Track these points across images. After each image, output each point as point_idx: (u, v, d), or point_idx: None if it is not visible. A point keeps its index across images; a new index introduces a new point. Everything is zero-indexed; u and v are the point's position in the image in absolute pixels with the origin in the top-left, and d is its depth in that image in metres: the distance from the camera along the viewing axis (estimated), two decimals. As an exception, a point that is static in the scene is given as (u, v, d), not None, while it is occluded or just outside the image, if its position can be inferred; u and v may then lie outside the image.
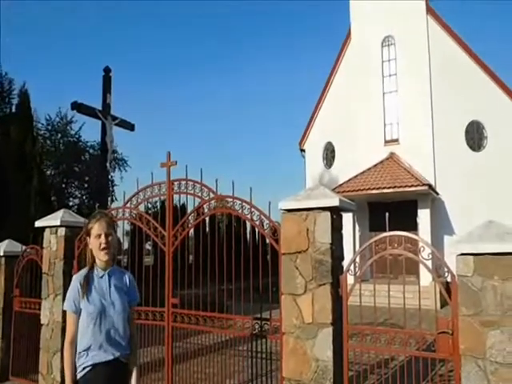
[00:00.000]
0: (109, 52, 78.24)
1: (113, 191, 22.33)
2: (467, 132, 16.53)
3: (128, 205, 5.81)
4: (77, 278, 2.72)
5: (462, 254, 3.57)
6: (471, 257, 3.52)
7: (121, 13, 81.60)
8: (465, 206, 15.41)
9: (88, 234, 2.77)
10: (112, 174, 21.19)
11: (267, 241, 4.63)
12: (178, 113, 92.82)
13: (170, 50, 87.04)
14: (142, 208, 5.87)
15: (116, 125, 10.78)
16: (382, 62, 17.62)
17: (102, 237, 2.69)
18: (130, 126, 11.30)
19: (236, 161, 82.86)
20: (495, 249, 3.41)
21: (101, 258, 2.72)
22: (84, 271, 2.76)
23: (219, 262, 4.91)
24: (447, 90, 16.30)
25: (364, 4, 17.67)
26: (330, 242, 4.08)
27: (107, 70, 10.79)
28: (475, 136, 16.50)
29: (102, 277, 2.73)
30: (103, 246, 2.69)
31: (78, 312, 2.66)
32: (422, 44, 16.75)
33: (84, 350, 2.61)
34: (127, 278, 2.86)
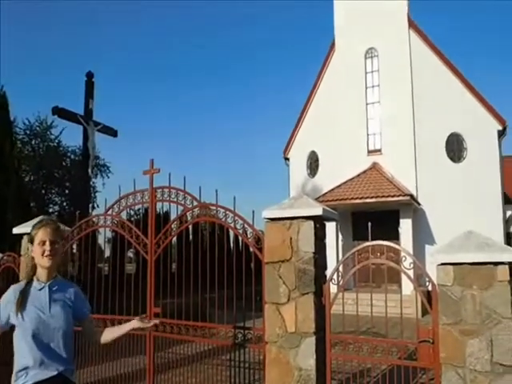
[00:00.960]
0: (94, 56, 77.74)
1: (94, 197, 22.01)
2: (448, 143, 16.89)
3: (110, 212, 5.75)
4: (12, 292, 2.49)
5: (443, 264, 3.63)
6: (451, 266, 3.59)
7: (106, 15, 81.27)
8: (445, 216, 15.67)
9: (31, 240, 2.54)
10: (94, 180, 20.89)
11: (251, 249, 4.63)
12: (164, 120, 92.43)
13: (156, 56, 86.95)
14: (124, 215, 5.82)
15: (98, 131, 10.68)
16: (366, 73, 17.91)
17: (47, 243, 2.49)
18: (112, 132, 11.21)
19: (221, 169, 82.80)
20: (474, 258, 3.48)
21: (43, 264, 2.49)
22: (20, 285, 2.52)
23: (202, 271, 4.88)
24: (428, 102, 16.65)
25: (348, 16, 17.98)
26: (314, 251, 4.11)
27: (90, 75, 10.70)
28: (455, 148, 16.87)
29: (41, 289, 2.50)
30: (47, 253, 2.47)
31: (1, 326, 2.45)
32: (404, 56, 17.09)
33: (22, 370, 2.39)
34: (73, 290, 2.63)
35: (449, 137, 16.85)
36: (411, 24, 17.25)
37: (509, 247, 3.69)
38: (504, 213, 17.38)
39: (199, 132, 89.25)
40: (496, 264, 3.49)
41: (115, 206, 5.73)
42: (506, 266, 3.52)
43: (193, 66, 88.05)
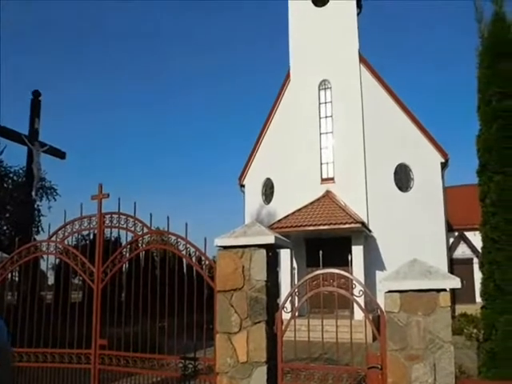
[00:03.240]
0: (42, 77, 75.44)
1: (39, 222, 20.92)
2: (396, 173, 17.69)
3: (54, 238, 5.50)
4: None
5: (390, 291, 3.74)
6: (397, 294, 3.70)
7: (60, 32, 79.73)
8: (394, 243, 16.23)
9: None
10: (39, 203, 19.90)
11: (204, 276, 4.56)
12: (117, 144, 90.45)
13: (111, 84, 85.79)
14: (71, 240, 5.58)
15: (45, 152, 10.24)
16: (319, 104, 18.56)
17: None
18: (60, 154, 10.77)
19: (175, 194, 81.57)
20: (418, 286, 3.62)
21: None
22: None
23: (152, 299, 4.73)
24: (378, 133, 17.45)
25: (303, 48, 18.69)
26: (266, 279, 4.11)
27: (36, 94, 10.34)
28: (403, 178, 17.69)
29: None
30: None
31: None
32: (355, 90, 17.90)
33: None
34: None
35: (397, 167, 17.67)
36: (362, 59, 18.17)
37: (450, 274, 3.88)
38: (447, 240, 18.28)
39: (153, 157, 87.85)
40: (438, 291, 3.64)
41: (60, 231, 5.49)
42: (448, 293, 3.68)
43: (142, 95, 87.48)
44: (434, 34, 70.33)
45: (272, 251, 4.27)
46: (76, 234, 5.57)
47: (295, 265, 16.84)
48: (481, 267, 4.56)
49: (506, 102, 4.56)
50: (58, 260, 5.92)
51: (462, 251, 22.00)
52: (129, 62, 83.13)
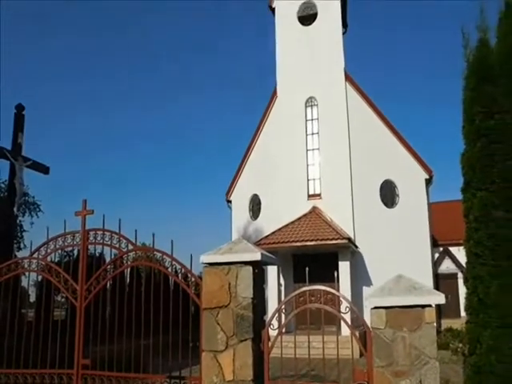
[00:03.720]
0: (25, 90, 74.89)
1: (21, 237, 20.56)
2: (381, 189, 17.89)
3: (36, 255, 5.40)
4: None
5: (376, 308, 3.75)
6: (383, 310, 3.72)
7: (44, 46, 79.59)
8: (380, 259, 16.32)
9: None
10: (21, 218, 19.57)
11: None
12: (102, 160, 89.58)
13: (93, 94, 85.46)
14: (54, 258, 5.48)
15: (28, 167, 10.11)
16: (306, 120, 18.77)
17: None
18: (43, 169, 10.64)
19: (160, 210, 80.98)
20: (403, 302, 3.64)
21: None
22: None
23: (137, 316, 4.65)
24: (364, 150, 17.69)
25: (290, 66, 18.97)
26: (252, 296, 4.08)
27: (20, 108, 10.27)
28: (388, 194, 17.90)
29: None
30: None
31: None
32: (341, 107, 18.17)
33: None
34: None
35: (382, 183, 17.88)
36: (347, 77, 18.50)
37: (435, 290, 3.91)
38: (432, 255, 18.46)
39: (139, 172, 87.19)
40: (424, 306, 3.66)
41: (42, 248, 5.40)
42: (433, 308, 3.71)
43: (133, 98, 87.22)
44: (421, 58, 72.19)
45: (258, 268, 4.26)
46: (56, 252, 5.50)
47: (282, 281, 16.78)
48: (465, 282, 4.62)
49: (489, 121, 4.71)
50: (40, 277, 5.79)
51: (446, 266, 22.26)
52: (118, 77, 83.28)
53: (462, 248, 5.19)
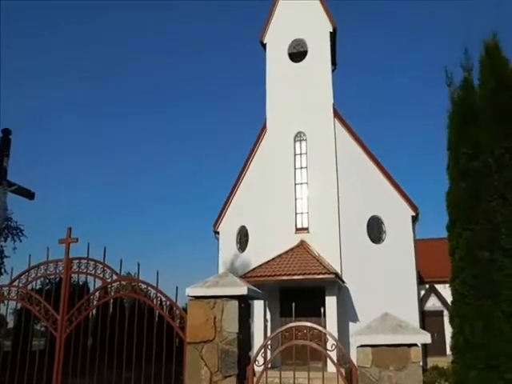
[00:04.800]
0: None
1: (2, 263, 20.03)
2: (369, 225, 18.00)
3: (16, 283, 5.28)
4: None
5: (362, 346, 3.71)
6: (369, 348, 3.69)
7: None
8: (367, 295, 16.25)
9: None
10: (3, 243, 19.12)
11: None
12: (87, 186, 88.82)
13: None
14: (35, 285, 5.37)
15: (13, 192, 9.96)
16: (295, 155, 19.01)
17: None
18: (29, 195, 10.49)
19: (146, 239, 79.85)
20: (390, 340, 3.62)
21: None
22: None
23: (120, 348, 4.53)
24: (351, 185, 17.89)
25: (279, 101, 19.33)
26: (238, 331, 4.02)
27: (6, 132, 10.23)
28: (375, 230, 18.01)
29: None
30: None
31: None
32: (329, 142, 18.49)
33: None
34: None
35: (369, 219, 18.01)
36: (336, 113, 18.92)
37: (421, 329, 3.90)
38: (418, 292, 18.43)
39: (124, 201, 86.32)
40: (410, 345, 3.64)
41: (23, 276, 5.28)
42: (419, 348, 3.69)
43: (119, 133, 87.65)
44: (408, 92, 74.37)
45: (244, 302, 4.22)
46: (37, 280, 5.39)
47: (268, 315, 16.53)
48: (451, 321, 4.63)
49: (473, 162, 4.85)
50: (19, 304, 5.63)
51: (432, 303, 22.21)
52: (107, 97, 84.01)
53: (447, 286, 5.22)
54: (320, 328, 4.07)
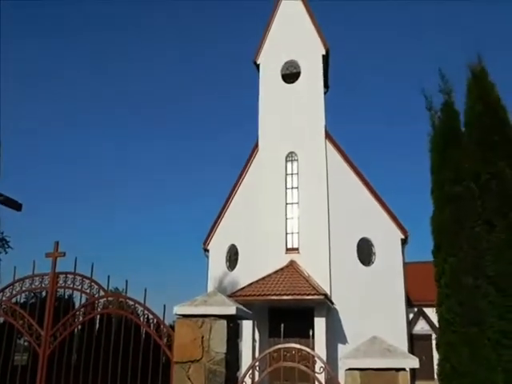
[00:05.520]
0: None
1: (-14, 274, 19.62)
2: (359, 247, 18.04)
3: (0, 296, 5.20)
4: None
5: (350, 369, 3.70)
6: (358, 371, 3.67)
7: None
8: (356, 317, 16.19)
9: None
10: (-12, 255, 18.76)
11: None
12: (77, 202, 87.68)
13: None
14: (20, 299, 5.28)
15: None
16: (286, 175, 19.11)
17: None
18: (16, 206, 10.40)
19: (135, 256, 78.78)
20: (378, 364, 3.60)
21: None
22: None
23: (105, 366, 4.44)
24: (342, 206, 17.98)
25: (272, 121, 19.52)
26: (226, 351, 3.98)
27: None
28: (365, 252, 18.05)
29: None
30: None
31: None
32: (320, 163, 18.64)
33: None
34: None
35: (359, 241, 18.06)
36: (327, 135, 19.14)
37: (409, 354, 3.90)
38: (407, 315, 18.39)
39: (114, 214, 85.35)
40: (398, 370, 3.63)
41: (8, 289, 5.21)
42: (407, 372, 3.68)
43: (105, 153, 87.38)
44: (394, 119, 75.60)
45: (233, 322, 4.19)
46: (21, 295, 5.32)
47: (257, 336, 16.35)
48: (437, 348, 4.62)
49: (457, 187, 4.91)
50: (2, 318, 5.53)
51: (421, 327, 22.14)
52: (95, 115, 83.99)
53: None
54: (308, 350, 4.05)
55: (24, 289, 5.20)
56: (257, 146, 19.89)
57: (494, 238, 4.69)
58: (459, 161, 5.01)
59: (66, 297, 5.40)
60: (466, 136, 5.33)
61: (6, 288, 5.23)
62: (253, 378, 4.07)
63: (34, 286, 5.20)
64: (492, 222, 4.79)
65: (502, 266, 4.51)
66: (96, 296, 4.81)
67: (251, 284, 16.47)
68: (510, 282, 4.50)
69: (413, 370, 3.69)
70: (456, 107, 5.74)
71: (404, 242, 18.18)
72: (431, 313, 20.90)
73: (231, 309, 4.06)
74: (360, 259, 17.89)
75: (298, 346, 4.02)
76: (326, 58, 20.06)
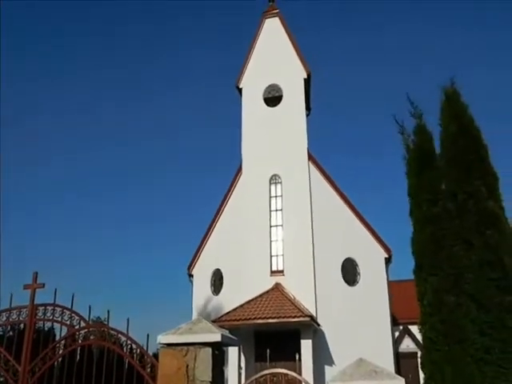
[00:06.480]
0: None
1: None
2: (343, 268, 18.09)
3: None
4: None
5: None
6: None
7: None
8: (342, 337, 16.12)
9: None
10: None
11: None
12: (56, 230, 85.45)
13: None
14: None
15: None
16: (270, 197, 19.19)
17: None
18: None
19: (117, 285, 76.75)
20: (364, 387, 3.59)
21: None
22: None
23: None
24: (326, 228, 18.08)
25: (255, 144, 19.71)
26: (211, 380, 3.92)
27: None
28: (350, 272, 18.11)
29: None
30: None
31: None
32: (303, 185, 18.79)
33: None
34: None
35: (344, 262, 18.13)
36: (310, 157, 19.38)
37: (395, 374, 3.90)
38: (393, 333, 18.39)
39: (96, 245, 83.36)
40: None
41: (-19, 323, 5.05)
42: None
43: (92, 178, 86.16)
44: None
45: (219, 349, 4.14)
46: (2, 327, 5.16)
47: (243, 362, 16.06)
48: (422, 367, 4.64)
49: (435, 208, 5.03)
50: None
51: (406, 345, 22.11)
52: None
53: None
54: (295, 374, 4.02)
55: (1, 323, 5.05)
56: (240, 168, 19.99)
57: (472, 256, 4.79)
58: (435, 182, 5.14)
59: (46, 329, 5.23)
60: (441, 157, 5.48)
61: (-19, 322, 5.08)
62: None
63: (11, 320, 5.05)
64: (470, 241, 4.89)
65: (481, 283, 4.60)
66: (77, 327, 4.70)
67: (236, 308, 16.30)
68: (490, 299, 4.59)
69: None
70: (430, 129, 5.91)
71: (388, 260, 18.33)
72: (416, 331, 20.91)
73: (216, 336, 4.01)
74: (345, 279, 17.92)
75: (284, 370, 3.99)
76: (307, 82, 20.49)
